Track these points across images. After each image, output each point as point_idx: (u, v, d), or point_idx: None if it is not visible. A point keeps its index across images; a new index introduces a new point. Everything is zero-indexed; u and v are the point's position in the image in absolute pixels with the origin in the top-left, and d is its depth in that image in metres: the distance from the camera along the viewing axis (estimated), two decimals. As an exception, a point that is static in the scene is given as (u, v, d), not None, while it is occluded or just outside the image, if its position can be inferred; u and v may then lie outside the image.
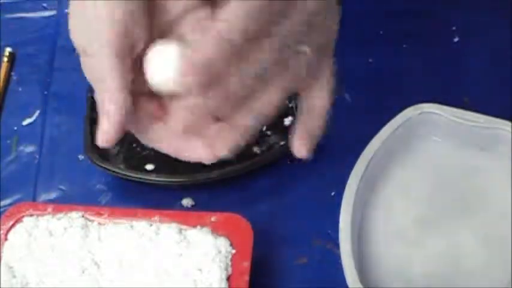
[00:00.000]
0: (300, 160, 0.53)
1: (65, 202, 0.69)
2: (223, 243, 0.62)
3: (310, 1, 0.48)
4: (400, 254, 0.65)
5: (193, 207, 0.70)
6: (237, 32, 0.45)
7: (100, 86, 0.49)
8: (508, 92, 0.74)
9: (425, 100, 0.69)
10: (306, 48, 0.49)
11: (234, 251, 0.62)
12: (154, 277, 0.61)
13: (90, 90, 0.74)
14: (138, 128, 0.51)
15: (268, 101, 0.49)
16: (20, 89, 0.79)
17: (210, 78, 0.46)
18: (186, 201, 0.70)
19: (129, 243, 0.63)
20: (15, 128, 0.76)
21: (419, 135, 0.69)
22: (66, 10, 0.80)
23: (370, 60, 0.78)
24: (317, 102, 0.53)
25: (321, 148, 0.73)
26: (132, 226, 0.64)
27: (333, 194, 0.69)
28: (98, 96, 0.49)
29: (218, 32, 0.45)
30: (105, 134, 0.49)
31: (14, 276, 0.62)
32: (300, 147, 0.52)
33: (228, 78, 0.47)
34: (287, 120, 0.73)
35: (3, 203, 0.71)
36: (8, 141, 0.75)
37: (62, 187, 0.72)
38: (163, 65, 0.49)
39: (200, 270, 0.61)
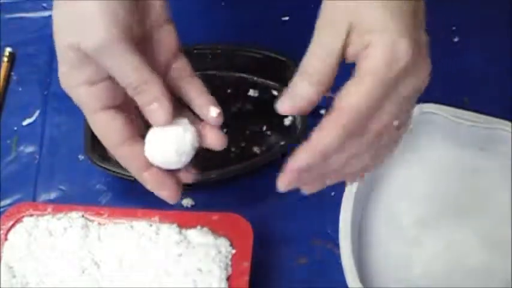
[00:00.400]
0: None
1: (65, 202, 0.69)
2: (223, 243, 0.62)
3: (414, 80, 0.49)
4: (400, 253, 0.65)
5: (193, 207, 0.70)
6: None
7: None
8: (508, 92, 0.74)
9: (425, 100, 0.69)
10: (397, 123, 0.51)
11: (234, 251, 0.62)
12: (154, 277, 0.61)
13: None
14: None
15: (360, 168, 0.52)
16: (20, 89, 0.79)
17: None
18: (186, 201, 0.70)
19: (129, 243, 0.63)
20: (15, 128, 0.76)
21: (419, 135, 0.69)
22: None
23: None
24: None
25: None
26: (132, 226, 0.64)
27: (333, 194, 0.69)
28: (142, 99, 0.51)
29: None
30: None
31: (14, 276, 0.62)
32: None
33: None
34: (287, 120, 0.73)
35: (3, 203, 0.71)
36: (8, 141, 0.75)
37: (62, 187, 0.72)
38: (165, 146, 0.52)
39: (200, 270, 0.61)
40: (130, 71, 0.50)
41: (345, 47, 0.48)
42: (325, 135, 0.48)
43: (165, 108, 0.51)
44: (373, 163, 0.52)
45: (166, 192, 0.54)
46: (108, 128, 0.53)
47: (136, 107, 0.52)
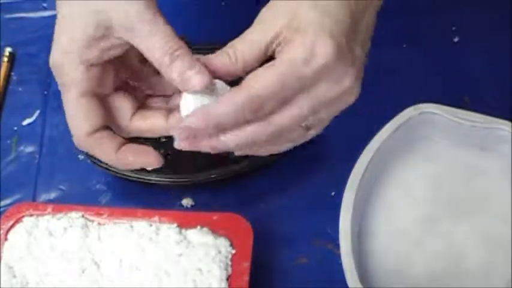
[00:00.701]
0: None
1: (65, 202, 0.69)
2: (223, 243, 0.62)
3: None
4: (400, 253, 0.65)
5: (193, 207, 0.70)
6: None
7: None
8: (508, 92, 0.74)
9: (425, 100, 0.69)
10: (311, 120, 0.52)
11: (234, 251, 0.62)
12: (154, 277, 0.61)
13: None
14: None
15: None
16: (20, 89, 0.79)
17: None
18: (186, 201, 0.70)
19: (129, 243, 0.63)
20: (15, 128, 0.76)
21: (419, 135, 0.69)
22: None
23: (370, 60, 0.78)
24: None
25: (321, 148, 0.73)
26: (132, 226, 0.64)
27: (333, 194, 0.69)
28: None
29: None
30: None
31: (14, 276, 0.62)
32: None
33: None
34: (287, 120, 0.73)
35: (3, 203, 0.71)
36: (8, 141, 0.75)
37: (62, 187, 0.72)
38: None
39: (200, 270, 0.61)
40: (165, 38, 0.50)
41: (269, 46, 0.49)
42: (219, 106, 0.48)
43: (203, 70, 0.50)
44: (269, 151, 0.53)
45: (151, 157, 0.53)
46: (90, 112, 0.53)
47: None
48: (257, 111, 0.48)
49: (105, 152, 0.53)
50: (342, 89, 0.50)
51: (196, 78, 0.50)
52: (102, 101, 0.53)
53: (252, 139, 0.50)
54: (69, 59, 0.52)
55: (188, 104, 0.50)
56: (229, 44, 0.50)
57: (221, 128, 0.49)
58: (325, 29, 0.48)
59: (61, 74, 0.53)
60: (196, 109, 0.50)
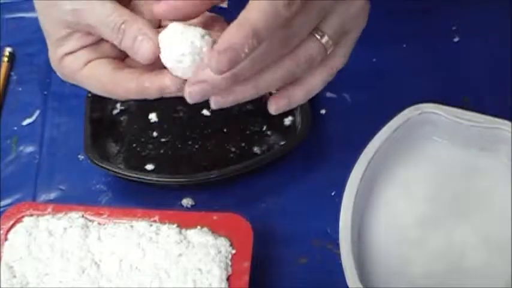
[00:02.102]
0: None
1: (65, 202, 0.69)
2: (223, 243, 0.62)
3: None
4: (400, 253, 0.65)
5: (193, 207, 0.70)
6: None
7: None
8: (508, 92, 0.74)
9: (425, 100, 0.69)
10: (326, 30, 0.50)
11: (234, 251, 0.62)
12: (154, 277, 0.61)
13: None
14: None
15: (270, 82, 0.50)
16: (20, 89, 0.79)
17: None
18: (186, 201, 0.70)
19: (129, 243, 0.63)
20: (15, 128, 0.76)
21: (419, 135, 0.69)
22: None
23: (370, 60, 0.78)
24: (310, 76, 0.52)
25: (321, 148, 0.73)
26: (132, 226, 0.64)
27: (333, 194, 0.69)
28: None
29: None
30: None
31: (14, 276, 0.62)
32: (273, 104, 0.52)
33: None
34: (287, 120, 0.73)
35: (3, 203, 0.71)
36: (8, 141, 0.75)
37: (62, 187, 0.72)
38: (183, 46, 0.48)
39: (200, 270, 0.61)
40: (107, 17, 0.50)
41: None
42: (253, 12, 0.46)
43: (150, 37, 0.49)
44: (290, 73, 0.50)
45: (167, 78, 0.50)
46: (97, 71, 0.53)
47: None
48: (290, 5, 0.46)
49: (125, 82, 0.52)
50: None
51: (144, 46, 0.49)
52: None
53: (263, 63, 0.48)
54: (55, 57, 0.54)
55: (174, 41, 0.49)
56: None
57: (260, 38, 0.46)
58: None
59: (58, 71, 0.54)
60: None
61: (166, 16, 0.50)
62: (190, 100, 0.49)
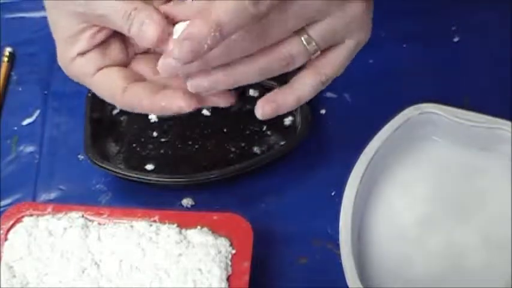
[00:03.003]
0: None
1: (65, 202, 0.69)
2: (223, 243, 0.62)
3: None
4: (400, 253, 0.65)
5: (193, 207, 0.70)
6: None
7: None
8: (508, 92, 0.74)
9: (425, 100, 0.69)
10: (311, 33, 0.51)
11: (234, 251, 0.62)
12: (154, 277, 0.61)
13: (90, 90, 0.74)
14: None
15: (246, 75, 0.51)
16: (20, 89, 0.79)
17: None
18: (186, 201, 0.70)
19: (129, 243, 0.63)
20: (15, 128, 0.76)
21: (419, 135, 0.69)
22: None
23: (370, 60, 0.78)
24: (299, 81, 0.53)
25: (321, 148, 0.73)
26: (132, 226, 0.64)
27: (333, 194, 0.69)
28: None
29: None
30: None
31: (14, 276, 0.62)
32: (259, 109, 0.53)
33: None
34: (287, 120, 0.73)
35: (3, 203, 0.71)
36: (8, 141, 0.75)
37: (62, 187, 0.72)
38: None
39: (200, 270, 0.61)
40: (119, 5, 0.50)
41: None
42: (220, 3, 0.47)
43: (157, 22, 0.49)
44: (267, 65, 0.51)
45: (180, 98, 0.51)
46: (108, 80, 0.54)
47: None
48: (257, 3, 0.47)
49: (141, 99, 0.53)
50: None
51: (149, 29, 0.49)
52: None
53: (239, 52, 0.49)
54: (66, 58, 0.54)
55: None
56: None
57: (223, 33, 0.47)
58: None
59: (69, 72, 0.55)
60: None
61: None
62: (161, 71, 0.50)
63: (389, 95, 0.74)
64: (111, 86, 0.54)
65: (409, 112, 0.68)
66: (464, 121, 0.67)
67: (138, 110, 0.53)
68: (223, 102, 0.53)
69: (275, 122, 0.73)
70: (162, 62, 0.50)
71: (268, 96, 0.53)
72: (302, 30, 0.51)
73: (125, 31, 0.51)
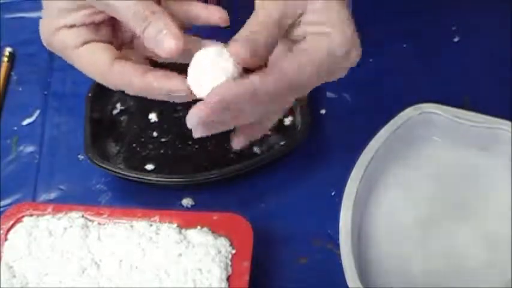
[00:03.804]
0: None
1: (65, 202, 0.69)
2: (223, 243, 0.62)
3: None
4: (400, 253, 0.65)
5: (193, 207, 0.70)
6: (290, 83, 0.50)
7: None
8: (508, 92, 0.74)
9: (425, 100, 0.69)
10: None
11: (234, 251, 0.62)
12: (154, 277, 0.61)
13: (90, 90, 0.75)
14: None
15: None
16: (20, 89, 0.79)
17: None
18: (186, 201, 0.70)
19: (129, 243, 0.63)
20: (15, 128, 0.76)
21: (419, 135, 0.69)
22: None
23: (370, 60, 0.78)
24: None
25: (321, 148, 0.73)
26: (132, 226, 0.64)
27: (333, 194, 0.69)
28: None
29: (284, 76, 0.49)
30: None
31: (14, 276, 0.62)
32: (235, 142, 0.56)
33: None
34: (287, 120, 0.73)
35: (3, 203, 0.71)
36: (8, 141, 0.75)
37: (62, 187, 0.72)
38: (215, 74, 0.49)
39: (200, 270, 0.61)
40: (135, 4, 0.50)
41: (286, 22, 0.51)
42: (263, 82, 0.49)
43: (175, 34, 0.49)
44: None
45: (175, 81, 0.51)
46: (94, 55, 0.53)
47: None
48: (284, 94, 0.50)
49: (131, 77, 0.52)
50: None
51: (168, 40, 0.49)
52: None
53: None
54: (50, 29, 0.54)
55: (203, 66, 0.50)
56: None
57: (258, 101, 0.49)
58: (349, 19, 0.51)
59: (50, 44, 0.54)
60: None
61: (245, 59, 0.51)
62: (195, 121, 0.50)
63: (389, 95, 0.74)
64: (97, 60, 0.53)
65: (409, 112, 0.68)
66: (464, 121, 0.67)
67: (128, 89, 0.52)
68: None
69: (275, 122, 0.73)
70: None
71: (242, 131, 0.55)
72: None
73: (134, 29, 0.51)
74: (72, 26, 0.53)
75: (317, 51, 0.50)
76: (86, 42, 0.53)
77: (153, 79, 0.51)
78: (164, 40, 0.50)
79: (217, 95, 0.48)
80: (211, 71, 0.49)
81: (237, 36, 0.50)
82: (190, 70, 0.50)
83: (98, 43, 0.53)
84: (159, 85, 0.51)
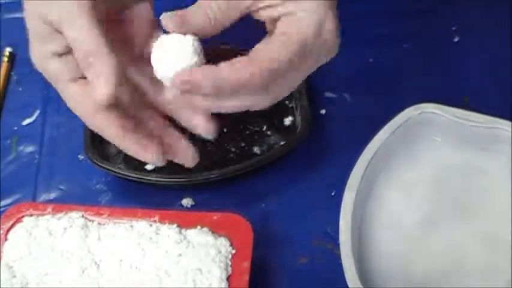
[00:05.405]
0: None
1: (65, 202, 0.69)
2: (223, 243, 0.62)
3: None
4: (400, 253, 0.65)
5: (193, 207, 0.70)
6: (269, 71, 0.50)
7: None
8: (508, 92, 0.74)
9: (425, 100, 0.69)
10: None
11: (234, 251, 0.62)
12: (154, 277, 0.61)
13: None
14: None
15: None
16: (20, 89, 0.79)
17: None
18: (186, 201, 0.70)
19: (129, 243, 0.63)
20: (15, 128, 0.76)
21: (419, 135, 0.69)
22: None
23: (370, 60, 0.78)
24: None
25: (321, 148, 0.73)
26: (132, 226, 0.64)
27: (333, 194, 0.69)
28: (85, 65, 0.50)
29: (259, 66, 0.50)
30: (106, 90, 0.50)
31: (14, 276, 0.62)
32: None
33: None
34: (287, 120, 0.73)
35: (3, 203, 0.71)
36: (8, 141, 0.75)
37: (62, 187, 0.72)
38: (178, 57, 0.51)
39: (200, 270, 0.61)
40: (83, 42, 0.50)
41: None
42: (230, 72, 0.49)
43: (109, 84, 0.49)
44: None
45: (149, 154, 0.52)
46: (80, 97, 0.52)
47: None
48: (271, 81, 0.50)
49: (111, 132, 0.53)
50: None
51: (100, 88, 0.50)
52: None
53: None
54: (39, 55, 0.53)
55: (167, 50, 0.51)
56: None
57: (218, 92, 0.50)
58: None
59: (41, 69, 0.53)
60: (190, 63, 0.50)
61: (174, 30, 0.51)
62: (175, 87, 0.51)
63: (389, 95, 0.74)
64: (82, 104, 0.52)
65: (409, 112, 0.68)
66: (464, 121, 0.67)
67: (105, 137, 0.53)
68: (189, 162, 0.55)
69: (275, 122, 0.73)
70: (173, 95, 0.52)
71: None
72: None
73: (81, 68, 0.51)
74: (61, 55, 0.52)
75: (287, 33, 0.50)
76: (76, 79, 0.52)
77: (130, 145, 0.52)
78: (97, 87, 0.50)
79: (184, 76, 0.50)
80: (176, 55, 0.51)
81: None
82: (154, 52, 0.52)
83: (87, 83, 0.52)
84: (134, 153, 0.52)
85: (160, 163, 0.53)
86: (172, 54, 0.51)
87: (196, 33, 0.51)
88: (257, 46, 0.51)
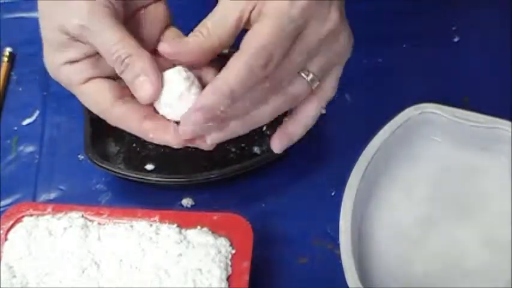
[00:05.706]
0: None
1: (65, 202, 0.69)
2: (223, 243, 0.62)
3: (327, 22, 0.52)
4: (400, 253, 0.65)
5: (193, 207, 0.70)
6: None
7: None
8: (508, 92, 0.74)
9: (425, 100, 0.69)
10: (311, 69, 0.53)
11: (234, 251, 0.62)
12: (154, 277, 0.61)
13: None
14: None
15: (259, 118, 0.53)
16: (20, 89, 0.79)
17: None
18: (186, 201, 0.70)
19: (129, 243, 0.63)
20: (15, 128, 0.76)
21: (419, 135, 0.69)
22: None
23: (370, 60, 0.78)
24: (304, 111, 0.55)
25: (321, 148, 0.73)
26: (132, 226, 0.64)
27: (333, 194, 0.69)
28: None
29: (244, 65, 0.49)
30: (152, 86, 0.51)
31: (14, 276, 0.62)
32: (276, 144, 0.56)
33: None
34: (287, 120, 0.73)
35: (3, 203, 0.71)
36: (8, 141, 0.75)
37: (62, 187, 0.72)
38: (173, 96, 0.51)
39: (200, 270, 0.61)
40: (113, 46, 0.50)
41: (242, 15, 0.50)
42: (229, 74, 0.49)
43: (152, 81, 0.51)
44: (272, 116, 0.53)
45: (170, 135, 0.52)
46: (97, 93, 0.53)
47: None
48: (267, 65, 0.49)
49: (130, 121, 0.53)
50: (329, 27, 0.52)
51: (144, 88, 0.51)
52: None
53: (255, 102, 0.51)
54: (53, 64, 0.54)
55: (172, 89, 0.51)
56: (201, 23, 0.51)
57: (235, 98, 0.49)
58: None
59: (56, 77, 0.55)
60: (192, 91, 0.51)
61: (169, 57, 0.52)
62: (183, 137, 0.51)
63: (389, 95, 0.74)
64: (99, 100, 0.53)
65: (409, 112, 0.68)
66: (464, 121, 0.67)
67: (126, 129, 0.54)
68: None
69: (275, 122, 0.73)
70: (181, 130, 0.51)
71: (280, 130, 0.55)
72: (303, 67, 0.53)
73: (115, 70, 0.52)
74: (73, 62, 0.53)
75: (269, 16, 0.50)
76: (89, 79, 0.53)
77: (150, 129, 0.52)
78: (141, 88, 0.51)
79: (199, 104, 0.49)
80: (177, 93, 0.51)
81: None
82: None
83: (102, 80, 0.54)
84: (154, 136, 0.53)
85: (178, 145, 0.53)
86: (173, 97, 0.51)
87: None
88: (247, 34, 0.50)
